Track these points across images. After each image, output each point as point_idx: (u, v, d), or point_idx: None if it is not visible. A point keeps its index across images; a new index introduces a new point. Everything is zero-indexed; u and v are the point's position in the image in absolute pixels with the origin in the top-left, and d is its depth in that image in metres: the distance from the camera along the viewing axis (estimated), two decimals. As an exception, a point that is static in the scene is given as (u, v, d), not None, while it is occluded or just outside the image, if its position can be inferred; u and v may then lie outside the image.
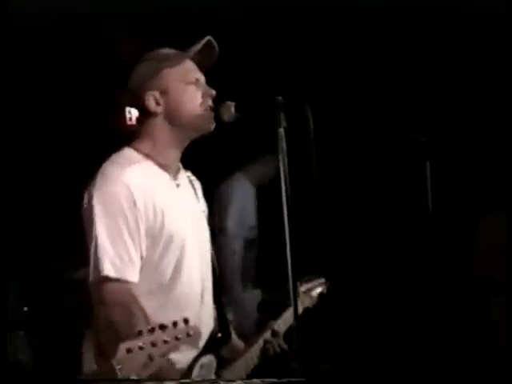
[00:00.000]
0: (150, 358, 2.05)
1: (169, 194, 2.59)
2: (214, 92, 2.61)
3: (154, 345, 2.05)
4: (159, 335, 2.06)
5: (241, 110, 2.57)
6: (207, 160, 2.78)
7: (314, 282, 3.14)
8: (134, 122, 5.10)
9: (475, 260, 4.31)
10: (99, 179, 2.50)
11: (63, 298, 4.47)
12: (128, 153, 2.60)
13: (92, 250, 2.46)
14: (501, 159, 4.24)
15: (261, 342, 2.81)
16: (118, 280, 2.43)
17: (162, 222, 2.51)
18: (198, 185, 2.81)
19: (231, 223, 4.24)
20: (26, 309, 4.20)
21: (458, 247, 4.41)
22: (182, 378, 2.52)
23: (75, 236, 4.76)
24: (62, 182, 4.75)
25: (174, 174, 2.65)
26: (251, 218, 4.35)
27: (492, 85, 4.27)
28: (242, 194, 4.31)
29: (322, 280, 3.17)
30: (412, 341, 4.36)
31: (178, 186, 2.65)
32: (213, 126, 2.60)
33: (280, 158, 2.49)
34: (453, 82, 4.55)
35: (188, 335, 2.09)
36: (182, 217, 2.59)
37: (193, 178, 2.79)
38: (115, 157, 2.58)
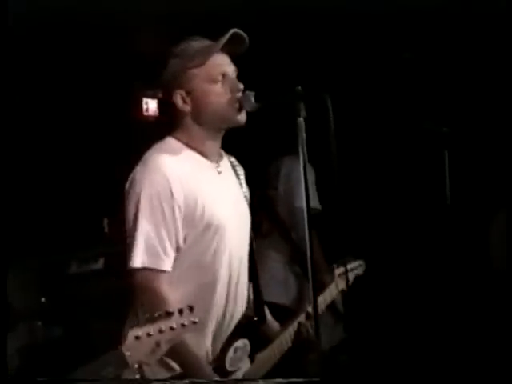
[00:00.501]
0: (157, 344, 2.14)
1: (210, 181, 2.65)
2: (241, 86, 2.63)
3: (161, 331, 2.13)
4: (166, 322, 2.14)
5: (261, 99, 2.59)
6: (227, 150, 2.78)
7: (351, 265, 3.16)
8: (150, 112, 5.16)
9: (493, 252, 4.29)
10: (140, 167, 2.57)
11: (81, 289, 4.49)
12: (170, 142, 2.66)
13: (130, 237, 2.52)
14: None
15: (295, 325, 2.86)
16: (150, 270, 2.50)
17: (203, 209, 2.56)
18: (241, 170, 2.87)
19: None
20: (43, 299, 4.21)
21: (476, 238, 4.39)
22: (217, 361, 2.60)
23: (94, 226, 4.78)
24: (79, 172, 4.76)
25: (216, 161, 2.70)
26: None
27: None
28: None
29: (359, 262, 3.19)
30: (434, 334, 4.34)
31: (219, 172, 2.70)
32: (243, 118, 2.63)
33: (300, 147, 2.49)
34: (473, 71, 4.52)
35: (193, 322, 2.17)
36: (222, 203, 2.64)
37: (236, 163, 2.85)
38: (158, 145, 2.65)
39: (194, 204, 2.55)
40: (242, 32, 2.61)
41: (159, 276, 2.51)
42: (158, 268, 2.51)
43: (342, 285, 3.11)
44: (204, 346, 2.61)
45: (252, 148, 4.43)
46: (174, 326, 2.14)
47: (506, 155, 4.44)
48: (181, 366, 2.54)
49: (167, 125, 2.69)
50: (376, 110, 4.34)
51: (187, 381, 2.53)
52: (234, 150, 2.85)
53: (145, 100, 5.14)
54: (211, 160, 2.67)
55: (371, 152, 4.83)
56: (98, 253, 4.55)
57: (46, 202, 4.61)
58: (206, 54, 2.62)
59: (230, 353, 2.62)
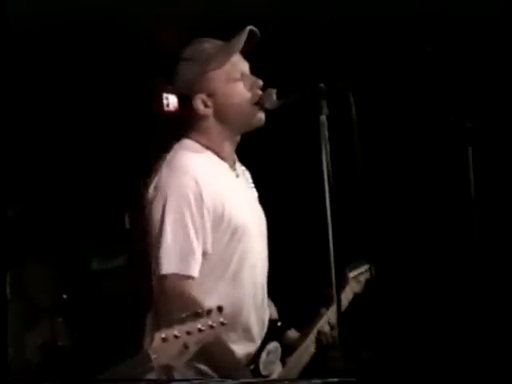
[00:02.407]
0: (185, 346, 2.08)
1: (231, 185, 2.62)
2: (260, 82, 2.60)
3: (188, 333, 2.08)
4: (194, 324, 2.08)
5: (283, 97, 2.55)
6: (249, 147, 2.75)
7: (362, 268, 3.14)
8: (171, 108, 5.15)
9: None
10: (166, 170, 2.50)
11: (102, 285, 4.49)
12: (190, 144, 2.60)
13: (157, 242, 2.46)
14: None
15: (315, 332, 2.80)
16: (179, 275, 2.44)
17: (229, 213, 2.52)
18: (248, 174, 2.82)
19: None
20: (65, 296, 4.22)
21: (501, 235, 4.34)
22: (251, 365, 2.56)
23: (115, 222, 4.78)
24: (101, 168, 4.76)
25: (232, 165, 2.67)
26: None
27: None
28: None
29: (368, 266, 3.16)
30: (456, 331, 4.30)
31: (237, 176, 2.67)
32: (263, 118, 2.60)
33: (322, 145, 2.46)
34: (498, 65, 4.46)
35: (222, 324, 2.11)
36: (244, 207, 2.61)
37: (243, 167, 2.80)
38: (178, 148, 2.59)
39: (221, 208, 2.50)
40: (256, 29, 2.56)
41: (189, 282, 2.46)
42: (188, 274, 2.45)
43: (355, 288, 3.08)
44: (237, 350, 2.56)
45: (272, 146, 4.43)
46: (202, 327, 2.09)
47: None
48: (215, 369, 2.50)
49: (185, 125, 2.64)
50: (399, 106, 4.29)
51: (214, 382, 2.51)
52: (254, 149, 2.82)
53: (165, 95, 5.11)
54: (229, 163, 2.64)
55: (394, 147, 4.78)
56: (119, 249, 4.55)
57: (68, 199, 4.61)
58: (226, 55, 2.58)
59: (263, 356, 2.59)
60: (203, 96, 2.57)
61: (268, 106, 2.56)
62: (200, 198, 2.46)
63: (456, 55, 4.57)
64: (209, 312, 2.11)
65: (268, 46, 2.61)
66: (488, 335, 3.67)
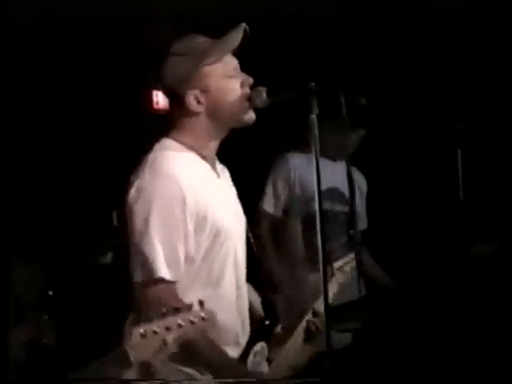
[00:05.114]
0: (164, 342, 2.02)
1: (213, 186, 2.59)
2: (251, 80, 2.58)
3: (168, 329, 2.02)
4: (174, 319, 2.03)
5: (273, 95, 2.54)
6: (237, 146, 2.73)
7: (346, 258, 3.14)
8: (161, 105, 5.12)
9: None
10: (148, 172, 2.48)
11: (88, 283, 4.47)
12: (172, 144, 2.57)
13: (140, 246, 2.44)
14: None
15: (304, 324, 2.82)
16: (164, 281, 2.42)
17: (211, 216, 2.50)
18: (227, 172, 2.79)
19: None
20: (50, 293, 4.19)
21: (488, 237, 4.34)
22: (237, 367, 2.55)
23: (101, 221, 4.76)
24: (88, 164, 4.74)
25: (214, 165, 2.64)
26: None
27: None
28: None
29: (353, 255, 3.17)
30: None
31: (218, 176, 2.65)
32: (253, 116, 2.58)
33: (312, 144, 2.45)
34: (490, 67, 4.47)
35: (203, 319, 2.06)
36: (226, 208, 2.59)
37: (222, 165, 2.76)
38: (159, 148, 2.56)
39: (204, 211, 2.48)
40: (247, 27, 2.54)
41: (172, 287, 2.45)
42: (171, 279, 2.44)
43: (341, 279, 3.09)
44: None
45: (262, 145, 4.41)
46: (182, 322, 2.02)
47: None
48: (204, 369, 2.49)
49: (172, 124, 2.61)
50: (389, 107, 4.28)
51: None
52: (243, 147, 2.81)
53: (155, 92, 5.07)
54: (210, 163, 2.61)
55: (383, 148, 4.79)
56: (106, 247, 4.53)
57: (55, 195, 4.59)
58: (222, 50, 2.55)
59: (251, 357, 2.59)
60: (196, 92, 2.53)
61: (258, 104, 2.55)
62: (183, 202, 2.43)
63: (447, 58, 4.58)
64: (189, 307, 2.05)
65: (259, 45, 2.59)
66: (473, 335, 3.68)
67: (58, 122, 4.67)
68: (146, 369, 2.38)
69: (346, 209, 4.19)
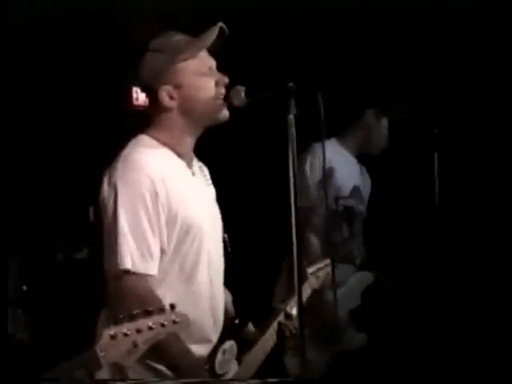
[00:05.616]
0: (135, 344, 2.03)
1: (187, 183, 2.60)
2: (226, 79, 2.59)
3: (139, 331, 2.02)
4: (145, 321, 2.03)
5: (251, 94, 2.55)
6: (216, 144, 2.74)
7: (320, 264, 3.15)
8: (140, 102, 5.11)
9: None
10: (121, 167, 2.49)
11: (63, 277, 4.45)
12: (147, 140, 2.58)
13: (112, 239, 2.45)
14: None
15: (275, 325, 2.82)
16: (137, 274, 2.43)
17: (183, 212, 2.51)
18: (206, 171, 2.80)
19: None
20: (25, 287, 4.18)
21: (463, 241, 4.38)
22: (206, 365, 2.54)
23: (78, 216, 4.74)
24: (66, 160, 4.72)
25: (189, 162, 2.65)
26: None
27: (509, 77, 4.21)
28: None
29: (328, 261, 3.18)
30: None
31: (193, 174, 2.65)
32: (227, 114, 2.59)
33: (289, 144, 2.46)
34: (466, 72, 4.50)
35: (174, 322, 2.07)
36: (199, 205, 2.59)
37: (201, 163, 2.78)
38: (134, 144, 2.57)
39: (176, 206, 2.49)
40: (225, 27, 2.56)
41: (146, 280, 2.44)
42: (146, 272, 2.44)
43: (314, 284, 3.10)
44: (193, 350, 2.54)
45: (239, 144, 4.42)
46: (153, 325, 2.03)
47: (498, 158, 4.43)
48: (173, 369, 2.49)
49: (149, 120, 2.62)
50: (367, 109, 4.30)
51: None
52: (220, 146, 2.82)
53: (135, 89, 5.05)
54: (185, 161, 2.61)
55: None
56: (81, 242, 4.51)
57: (31, 190, 4.56)
58: (196, 47, 2.57)
59: (219, 356, 2.58)
60: (169, 88, 2.55)
61: (236, 103, 2.55)
62: (155, 195, 2.45)
63: (424, 62, 4.60)
64: (161, 310, 2.06)
65: (238, 44, 2.60)
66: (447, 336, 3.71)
67: (36, 117, 4.65)
68: (117, 369, 2.38)
69: (363, 208, 4.19)
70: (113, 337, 2.00)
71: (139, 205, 2.43)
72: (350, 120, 4.12)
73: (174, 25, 2.65)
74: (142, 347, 2.04)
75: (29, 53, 4.40)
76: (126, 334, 2.01)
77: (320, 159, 3.82)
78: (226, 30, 2.57)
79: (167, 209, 2.47)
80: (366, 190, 4.23)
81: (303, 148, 3.79)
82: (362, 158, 4.23)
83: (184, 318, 2.10)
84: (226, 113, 2.58)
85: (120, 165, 2.49)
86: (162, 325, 2.05)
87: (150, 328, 2.03)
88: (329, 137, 3.96)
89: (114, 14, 4.30)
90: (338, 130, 4.09)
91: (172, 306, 2.07)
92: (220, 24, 2.55)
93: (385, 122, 4.12)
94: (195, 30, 2.60)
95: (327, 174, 3.88)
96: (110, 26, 4.47)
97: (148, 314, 2.04)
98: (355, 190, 4.11)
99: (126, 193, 2.43)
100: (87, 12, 4.14)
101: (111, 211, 2.44)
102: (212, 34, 2.55)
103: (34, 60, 4.51)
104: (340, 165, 4.02)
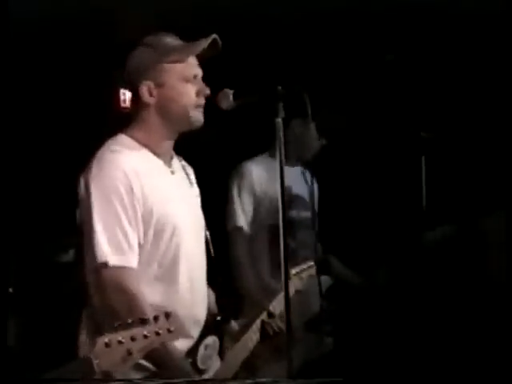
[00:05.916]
0: (129, 352, 2.03)
1: (164, 181, 2.61)
2: (208, 91, 2.61)
3: (133, 339, 2.03)
4: (139, 330, 2.04)
5: (239, 98, 2.55)
6: (203, 146, 2.74)
7: (304, 265, 3.16)
8: (127, 104, 5.09)
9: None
10: (95, 165, 2.51)
11: (50, 280, 4.44)
12: (123, 139, 2.61)
13: (89, 236, 2.47)
14: (501, 158, 4.22)
15: (258, 323, 2.85)
16: (116, 266, 2.44)
17: (158, 209, 2.52)
18: (190, 170, 2.81)
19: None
20: (11, 290, 4.16)
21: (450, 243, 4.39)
22: (188, 358, 2.55)
23: (65, 218, 4.72)
24: (53, 163, 4.70)
25: (168, 161, 2.66)
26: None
27: (495, 81, 4.23)
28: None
29: (311, 263, 3.19)
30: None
31: (172, 172, 2.67)
32: (201, 123, 2.61)
33: (277, 147, 2.47)
34: (455, 76, 4.51)
35: (169, 331, 2.08)
36: (176, 203, 2.61)
37: (185, 163, 2.79)
38: (111, 143, 2.60)
39: (151, 201, 2.51)
40: (219, 39, 2.59)
41: (126, 273, 2.45)
42: (124, 265, 2.45)
43: (297, 285, 3.11)
44: (175, 345, 2.54)
45: (228, 147, 4.41)
46: (148, 333, 2.04)
47: (485, 162, 4.44)
48: (157, 365, 2.49)
49: (124, 118, 2.65)
50: (355, 112, 4.31)
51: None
52: (208, 148, 2.82)
53: (122, 91, 5.04)
54: (164, 160, 2.63)
55: (347, 155, 4.81)
56: (68, 244, 4.49)
57: (17, 192, 4.54)
58: (185, 53, 2.59)
59: (201, 350, 2.59)
60: (151, 84, 2.58)
61: (224, 106, 2.57)
62: (130, 189, 2.47)
63: (413, 65, 4.61)
64: (156, 318, 2.07)
65: (226, 47, 2.61)
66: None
67: (24, 119, 4.63)
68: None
69: (308, 214, 4.15)
70: (107, 344, 2.01)
71: (114, 197, 2.45)
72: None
73: (163, 28, 2.66)
74: (137, 355, 2.05)
75: (16, 55, 4.38)
76: (120, 342, 2.02)
77: (248, 180, 3.89)
78: (220, 43, 2.60)
79: (143, 204, 2.49)
80: (312, 197, 4.15)
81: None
82: (352, 162, 4.23)
83: (178, 326, 2.10)
84: (200, 122, 2.60)
85: (95, 163, 2.52)
86: (157, 333, 2.06)
87: (145, 336, 2.04)
88: (261, 152, 3.94)
89: (104, 16, 4.30)
90: (268, 144, 4.01)
91: (167, 315, 2.08)
92: (213, 36, 2.58)
93: (313, 125, 4.03)
94: (183, 33, 2.61)
95: (259, 193, 3.90)
96: (97, 27, 4.46)
97: (143, 322, 2.05)
98: (297, 199, 4.06)
99: (100, 187, 2.46)
100: (76, 14, 4.13)
101: (86, 207, 2.47)
102: (204, 43, 2.58)
103: (21, 63, 4.49)
104: (273, 179, 4.01)
